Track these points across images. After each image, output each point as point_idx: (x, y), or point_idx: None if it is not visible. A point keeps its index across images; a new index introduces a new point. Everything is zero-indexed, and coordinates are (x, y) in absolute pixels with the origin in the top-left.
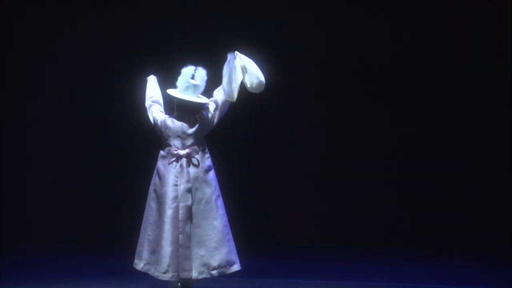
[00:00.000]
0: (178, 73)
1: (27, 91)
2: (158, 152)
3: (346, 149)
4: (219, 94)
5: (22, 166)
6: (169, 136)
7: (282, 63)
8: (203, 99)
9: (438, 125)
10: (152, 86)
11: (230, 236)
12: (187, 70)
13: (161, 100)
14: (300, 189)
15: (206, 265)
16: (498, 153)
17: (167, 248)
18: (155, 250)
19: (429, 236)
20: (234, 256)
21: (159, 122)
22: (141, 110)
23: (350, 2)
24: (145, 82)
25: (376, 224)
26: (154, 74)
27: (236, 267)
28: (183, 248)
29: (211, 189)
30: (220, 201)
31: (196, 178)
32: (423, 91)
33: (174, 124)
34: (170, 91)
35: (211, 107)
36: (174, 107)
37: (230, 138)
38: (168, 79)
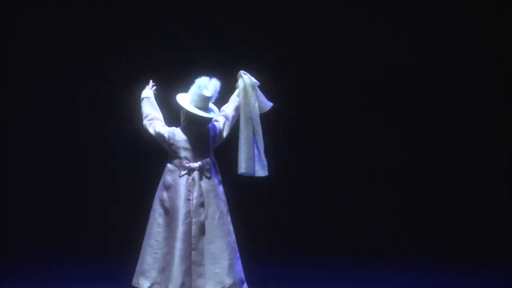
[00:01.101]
0: (191, 82)
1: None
2: (165, 166)
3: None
4: (229, 109)
5: (22, 171)
6: (179, 149)
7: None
8: (213, 114)
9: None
10: (148, 104)
11: (238, 253)
12: (202, 81)
13: (160, 116)
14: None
15: (221, 283)
16: None
17: (180, 266)
18: (165, 268)
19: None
20: (244, 275)
21: (166, 135)
22: (140, 126)
23: (351, 13)
24: (140, 99)
25: (388, 232)
26: (150, 82)
27: (246, 287)
28: (196, 265)
29: (223, 204)
30: (229, 217)
31: (208, 192)
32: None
33: (184, 135)
34: (181, 100)
35: (221, 120)
36: (183, 117)
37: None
38: (169, 89)
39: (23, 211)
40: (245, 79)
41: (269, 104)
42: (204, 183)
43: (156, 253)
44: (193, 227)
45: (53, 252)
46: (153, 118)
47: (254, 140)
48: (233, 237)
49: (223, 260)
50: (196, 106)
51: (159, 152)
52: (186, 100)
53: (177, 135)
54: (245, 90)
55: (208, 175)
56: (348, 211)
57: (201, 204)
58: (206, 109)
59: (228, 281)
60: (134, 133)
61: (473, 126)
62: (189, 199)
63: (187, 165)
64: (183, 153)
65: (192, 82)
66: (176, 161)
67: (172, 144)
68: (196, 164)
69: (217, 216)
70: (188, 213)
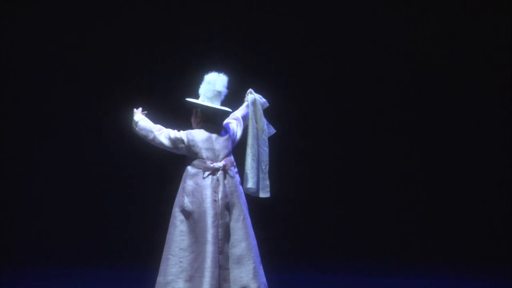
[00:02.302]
0: (200, 81)
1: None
2: (183, 171)
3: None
4: (239, 113)
5: (32, 176)
6: (200, 150)
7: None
8: (228, 109)
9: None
10: (147, 121)
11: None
12: (212, 77)
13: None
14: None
15: None
16: None
17: (213, 271)
18: (194, 276)
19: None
20: (266, 280)
21: (185, 138)
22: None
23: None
24: (134, 124)
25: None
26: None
27: None
28: (222, 270)
29: (244, 205)
30: (250, 219)
31: (232, 193)
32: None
33: (202, 136)
34: (194, 100)
35: (234, 122)
36: (197, 118)
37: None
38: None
39: (36, 218)
40: (256, 96)
41: (272, 131)
42: (228, 183)
43: (181, 261)
44: (220, 230)
45: (63, 260)
46: (161, 128)
47: (260, 159)
48: (255, 239)
49: (248, 264)
50: (211, 103)
51: (173, 158)
52: (198, 100)
53: (196, 135)
54: (255, 104)
55: (232, 174)
56: (362, 215)
57: (226, 206)
58: (219, 105)
59: (253, 285)
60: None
61: None
62: (215, 201)
63: (211, 165)
64: (205, 154)
65: (200, 81)
66: (197, 163)
67: (192, 146)
68: (220, 164)
69: (241, 217)
70: (215, 215)
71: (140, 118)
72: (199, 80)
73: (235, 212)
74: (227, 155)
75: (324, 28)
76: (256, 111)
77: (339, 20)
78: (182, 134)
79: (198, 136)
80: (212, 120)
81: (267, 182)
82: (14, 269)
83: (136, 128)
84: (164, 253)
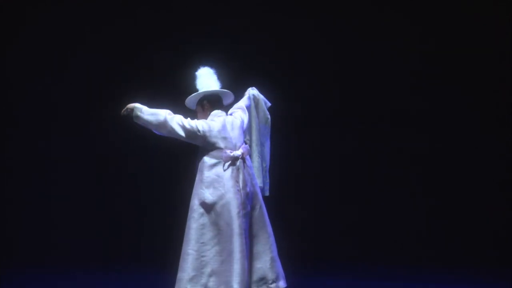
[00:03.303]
0: (193, 79)
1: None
2: (198, 162)
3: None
4: (242, 103)
5: (38, 175)
6: (217, 139)
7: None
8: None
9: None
10: (150, 109)
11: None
12: (204, 71)
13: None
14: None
15: (264, 279)
16: None
17: (242, 263)
18: (218, 270)
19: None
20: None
21: (201, 129)
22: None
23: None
24: (137, 109)
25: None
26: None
27: (284, 284)
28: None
29: (260, 194)
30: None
31: (250, 181)
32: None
33: (217, 125)
34: (195, 93)
35: (239, 111)
36: (206, 109)
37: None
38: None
39: (47, 220)
40: (256, 92)
41: (268, 104)
42: (246, 171)
43: (203, 256)
44: (243, 220)
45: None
46: (171, 112)
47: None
48: (271, 228)
49: (266, 254)
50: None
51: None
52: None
53: (212, 125)
54: (257, 99)
55: (248, 163)
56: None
57: (247, 195)
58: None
59: (271, 275)
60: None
61: None
62: (238, 190)
63: (231, 154)
64: (222, 143)
65: (194, 80)
66: (216, 153)
67: (208, 136)
68: (239, 152)
69: (258, 206)
70: (239, 206)
71: (140, 107)
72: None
73: (254, 201)
74: (242, 143)
75: (328, 27)
76: (258, 105)
77: (345, 21)
78: (198, 124)
79: (213, 125)
80: (220, 106)
81: (268, 180)
82: (19, 271)
83: (141, 115)
84: (184, 248)
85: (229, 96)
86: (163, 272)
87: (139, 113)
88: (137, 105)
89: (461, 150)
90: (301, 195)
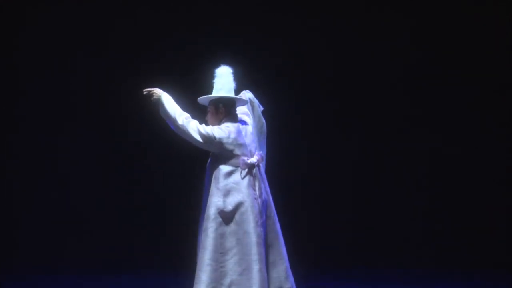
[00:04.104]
0: (212, 76)
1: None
2: (213, 170)
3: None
4: (244, 108)
5: (55, 178)
6: (234, 146)
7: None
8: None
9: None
10: (173, 102)
11: None
12: (225, 70)
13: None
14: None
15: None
16: None
17: (262, 273)
18: (238, 280)
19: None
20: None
21: (217, 136)
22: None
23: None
24: (160, 103)
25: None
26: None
27: None
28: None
29: (272, 202)
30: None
31: (265, 189)
32: None
33: (233, 131)
34: (217, 95)
35: (245, 116)
36: (221, 113)
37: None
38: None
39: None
40: (251, 95)
41: (261, 107)
42: (261, 179)
43: (222, 266)
44: (261, 229)
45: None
46: (188, 116)
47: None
48: (282, 237)
49: (281, 263)
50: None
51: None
52: (217, 94)
53: (227, 132)
54: (252, 103)
55: (262, 170)
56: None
57: (263, 203)
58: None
59: (286, 285)
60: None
61: None
62: (255, 199)
63: (248, 161)
64: (239, 150)
65: (211, 76)
66: (232, 160)
67: (225, 143)
68: (254, 159)
69: (272, 215)
70: (258, 214)
71: (166, 99)
72: (209, 76)
73: (269, 210)
74: (256, 150)
75: (330, 28)
76: (254, 109)
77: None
78: (214, 131)
79: (230, 132)
80: (234, 114)
81: None
82: (25, 276)
83: (164, 104)
84: (202, 258)
85: (243, 104)
86: (177, 278)
87: (163, 101)
88: (165, 95)
89: (461, 150)
90: (304, 198)
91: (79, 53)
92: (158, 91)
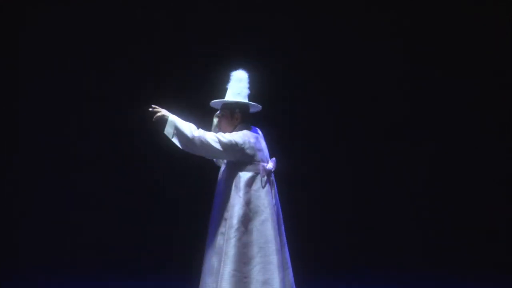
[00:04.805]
0: (226, 79)
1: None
2: (234, 177)
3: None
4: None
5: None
6: (255, 151)
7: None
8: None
9: None
10: (181, 121)
11: None
12: (241, 75)
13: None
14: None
15: None
16: None
17: (283, 281)
18: None
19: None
20: None
21: (240, 141)
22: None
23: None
24: (163, 118)
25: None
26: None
27: None
28: None
29: (280, 209)
30: None
31: (276, 194)
32: None
33: (251, 135)
34: (234, 100)
35: None
36: (236, 119)
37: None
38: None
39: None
40: None
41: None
42: (274, 185)
43: (246, 277)
44: (278, 236)
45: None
46: (198, 128)
47: None
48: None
49: (289, 267)
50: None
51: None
52: (234, 99)
53: (247, 137)
54: None
55: (273, 176)
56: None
57: (277, 210)
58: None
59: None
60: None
61: None
62: (273, 205)
63: (267, 167)
64: (258, 156)
65: (226, 80)
66: (251, 167)
67: (246, 149)
68: (271, 165)
69: (281, 222)
70: (276, 221)
71: (174, 117)
72: (223, 79)
73: (279, 216)
74: (270, 154)
75: (330, 28)
76: None
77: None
78: (234, 137)
79: (250, 137)
80: (248, 120)
81: None
82: (38, 276)
83: (167, 128)
84: (227, 269)
85: (257, 110)
86: (177, 279)
87: (172, 119)
88: (172, 115)
89: (461, 150)
90: (304, 198)
91: (79, 53)
92: (164, 111)
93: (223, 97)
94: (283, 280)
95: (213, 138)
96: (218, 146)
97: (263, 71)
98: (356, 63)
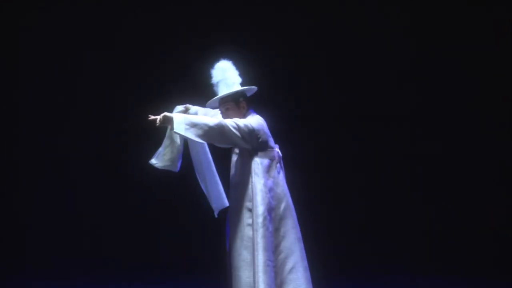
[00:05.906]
0: (210, 76)
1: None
2: (251, 164)
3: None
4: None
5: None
6: (269, 137)
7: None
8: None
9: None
10: (192, 116)
11: None
12: (227, 64)
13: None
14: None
15: None
16: None
17: (307, 271)
18: (286, 279)
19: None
20: None
21: (256, 127)
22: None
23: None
24: (168, 119)
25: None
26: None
27: None
28: None
29: None
30: None
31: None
32: None
33: (262, 121)
34: (241, 89)
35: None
36: (243, 107)
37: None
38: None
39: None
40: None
41: None
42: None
43: (275, 266)
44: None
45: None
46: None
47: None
48: None
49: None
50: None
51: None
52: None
53: (260, 122)
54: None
55: None
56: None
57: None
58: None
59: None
60: None
61: None
62: (288, 192)
63: (279, 153)
64: (271, 142)
65: (208, 74)
66: (266, 153)
67: (262, 135)
68: (277, 149)
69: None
70: (294, 209)
71: (182, 114)
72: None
73: None
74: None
75: (330, 28)
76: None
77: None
78: (251, 122)
79: (262, 122)
80: (251, 105)
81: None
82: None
83: (177, 124)
84: (261, 259)
85: (252, 92)
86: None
87: (184, 115)
88: (177, 114)
89: (461, 150)
90: (304, 198)
91: (79, 53)
92: (166, 115)
93: (217, 94)
94: (307, 268)
95: (233, 124)
96: (237, 133)
97: (260, 69)
98: (356, 63)
